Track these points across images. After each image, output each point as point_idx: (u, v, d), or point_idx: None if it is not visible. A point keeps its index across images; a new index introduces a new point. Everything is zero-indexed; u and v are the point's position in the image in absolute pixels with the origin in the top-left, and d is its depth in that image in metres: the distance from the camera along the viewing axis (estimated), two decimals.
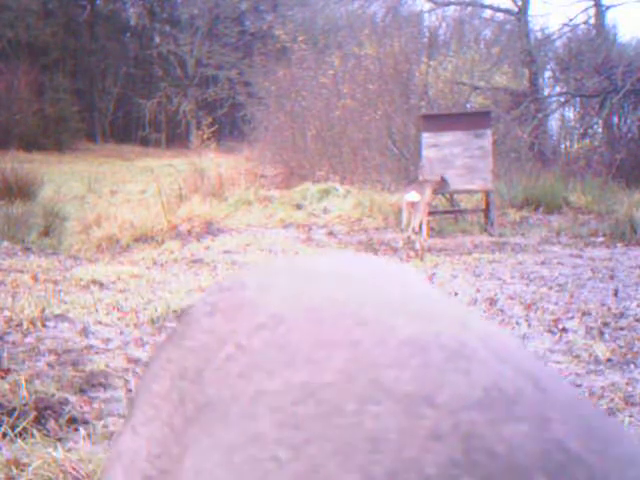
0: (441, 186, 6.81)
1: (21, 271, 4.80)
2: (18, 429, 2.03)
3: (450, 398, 0.36)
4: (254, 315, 0.49)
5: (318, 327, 0.45)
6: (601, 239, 6.67)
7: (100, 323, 3.38)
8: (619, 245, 6.36)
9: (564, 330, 3.37)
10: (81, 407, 2.28)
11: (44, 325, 3.25)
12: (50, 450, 1.88)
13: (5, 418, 2.10)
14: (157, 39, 34.01)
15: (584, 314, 3.70)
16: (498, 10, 18.23)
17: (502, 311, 3.83)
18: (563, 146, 16.53)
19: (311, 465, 0.36)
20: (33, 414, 2.13)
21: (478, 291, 4.38)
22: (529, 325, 3.51)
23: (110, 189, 12.59)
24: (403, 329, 0.42)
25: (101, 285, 4.44)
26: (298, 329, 0.45)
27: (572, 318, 3.63)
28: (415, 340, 0.41)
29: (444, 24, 19.57)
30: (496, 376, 0.38)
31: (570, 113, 17.10)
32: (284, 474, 0.37)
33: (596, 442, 0.36)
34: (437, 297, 0.53)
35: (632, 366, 2.81)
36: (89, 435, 2.05)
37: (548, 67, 17.87)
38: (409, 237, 6.26)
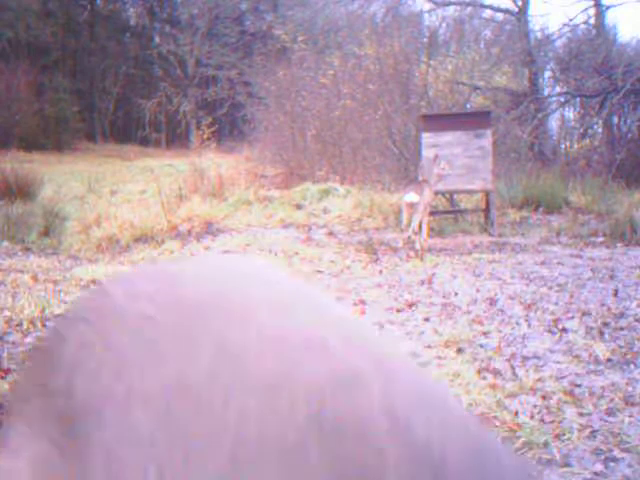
0: (436, 165, 6.68)
1: (21, 271, 4.80)
2: None
3: (305, 382, 0.42)
4: (123, 319, 0.49)
5: (187, 325, 0.47)
6: (601, 239, 6.67)
7: None
8: (619, 245, 6.35)
9: (564, 330, 3.37)
10: None
11: (44, 325, 3.25)
12: None
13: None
14: (157, 39, 34.05)
15: (584, 314, 3.70)
16: (498, 10, 18.24)
17: (502, 311, 3.83)
18: (563, 146, 16.52)
19: (183, 455, 0.40)
20: None
21: (478, 291, 4.38)
22: (529, 325, 3.51)
23: (110, 189, 12.58)
24: (265, 323, 0.46)
25: None
26: (166, 328, 0.47)
27: (572, 318, 3.63)
28: (276, 333, 0.45)
29: (444, 24, 19.61)
30: (344, 361, 0.44)
31: (570, 113, 17.10)
32: (158, 464, 0.40)
33: (426, 409, 0.43)
34: (301, 291, 0.55)
35: (632, 366, 2.81)
36: None
37: (548, 67, 17.85)
38: (409, 237, 6.26)
